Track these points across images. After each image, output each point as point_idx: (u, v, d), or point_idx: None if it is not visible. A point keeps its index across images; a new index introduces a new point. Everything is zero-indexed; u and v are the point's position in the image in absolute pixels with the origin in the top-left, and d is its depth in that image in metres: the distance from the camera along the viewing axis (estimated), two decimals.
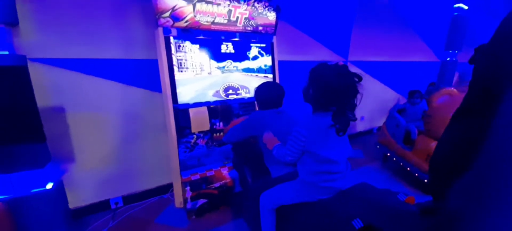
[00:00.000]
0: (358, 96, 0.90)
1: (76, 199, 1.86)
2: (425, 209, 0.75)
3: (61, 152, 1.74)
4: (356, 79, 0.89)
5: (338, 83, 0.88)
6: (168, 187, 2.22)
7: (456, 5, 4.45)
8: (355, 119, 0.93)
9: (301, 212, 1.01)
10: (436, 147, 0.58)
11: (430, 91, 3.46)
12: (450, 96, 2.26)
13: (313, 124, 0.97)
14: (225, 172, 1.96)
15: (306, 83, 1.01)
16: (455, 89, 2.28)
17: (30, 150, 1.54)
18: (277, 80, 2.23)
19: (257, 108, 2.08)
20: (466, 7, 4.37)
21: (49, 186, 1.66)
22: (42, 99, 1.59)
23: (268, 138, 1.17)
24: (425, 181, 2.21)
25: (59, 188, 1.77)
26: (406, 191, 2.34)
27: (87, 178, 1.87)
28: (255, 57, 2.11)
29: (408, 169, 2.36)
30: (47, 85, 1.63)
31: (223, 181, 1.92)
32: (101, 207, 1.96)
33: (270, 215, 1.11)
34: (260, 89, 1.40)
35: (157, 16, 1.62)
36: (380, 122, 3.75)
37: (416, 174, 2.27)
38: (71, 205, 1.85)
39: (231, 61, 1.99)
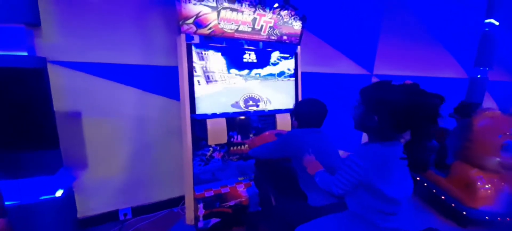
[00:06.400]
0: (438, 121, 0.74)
1: (85, 208, 1.78)
2: None
3: (73, 158, 1.67)
4: (438, 101, 0.73)
5: (415, 107, 0.73)
6: (179, 200, 2.10)
7: (487, 21, 4.20)
8: (435, 150, 0.77)
9: None
10: None
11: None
12: (493, 119, 2.02)
13: (374, 154, 0.81)
14: (241, 189, 1.82)
15: (360, 107, 0.86)
16: (499, 112, 2.05)
17: (42, 156, 1.48)
18: (300, 92, 2.10)
19: (272, 124, 1.95)
20: (497, 23, 4.11)
21: (59, 193, 1.59)
22: (59, 103, 1.54)
23: (310, 162, 1.03)
24: (464, 213, 1.96)
25: (69, 196, 1.70)
26: (439, 222, 2.09)
27: (98, 186, 1.79)
28: (275, 63, 1.99)
29: (443, 197, 2.12)
30: (65, 89, 1.58)
31: (238, 199, 1.78)
32: (110, 217, 1.87)
33: None
34: (301, 105, 1.27)
35: (180, 23, 1.55)
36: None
37: (453, 204, 2.02)
38: (80, 214, 1.76)
39: (254, 70, 1.88)
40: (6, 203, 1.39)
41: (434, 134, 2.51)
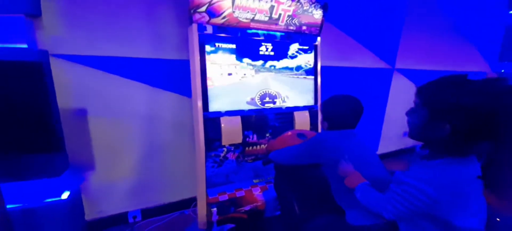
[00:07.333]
0: None
1: (93, 210, 1.69)
2: None
3: (80, 158, 1.57)
4: None
5: (509, 111, 0.57)
6: (191, 202, 2.00)
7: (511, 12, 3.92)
8: None
9: None
10: None
11: None
12: None
13: (448, 179, 0.65)
14: (256, 192, 1.69)
15: (421, 111, 0.69)
16: None
17: (47, 157, 1.38)
18: (319, 88, 1.94)
19: (289, 122, 1.80)
20: None
21: (65, 195, 1.49)
22: (63, 99, 1.44)
23: (349, 172, 0.87)
24: None
25: (76, 198, 1.60)
26: None
27: (106, 187, 1.70)
28: (293, 56, 1.83)
29: None
30: (69, 84, 1.47)
31: (254, 204, 1.65)
32: (119, 220, 1.78)
33: None
34: (332, 103, 1.08)
35: (191, 11, 1.40)
36: None
37: (498, 219, 1.85)
38: (87, 217, 1.68)
39: (269, 61, 1.73)
40: (8, 206, 1.30)
41: None
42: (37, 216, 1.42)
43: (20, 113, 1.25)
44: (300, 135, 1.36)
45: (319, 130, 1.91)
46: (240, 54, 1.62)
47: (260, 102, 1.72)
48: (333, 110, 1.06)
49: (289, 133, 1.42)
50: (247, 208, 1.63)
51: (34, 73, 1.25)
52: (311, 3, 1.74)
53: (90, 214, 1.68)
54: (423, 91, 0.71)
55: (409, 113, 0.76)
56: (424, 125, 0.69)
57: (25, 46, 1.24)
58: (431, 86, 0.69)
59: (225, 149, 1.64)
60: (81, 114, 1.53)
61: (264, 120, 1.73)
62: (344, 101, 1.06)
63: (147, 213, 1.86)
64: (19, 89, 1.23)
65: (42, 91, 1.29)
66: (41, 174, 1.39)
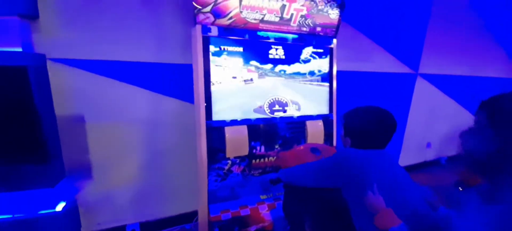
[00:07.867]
0: None
1: (90, 222, 1.60)
2: None
3: (76, 167, 1.49)
4: None
5: None
6: (192, 215, 1.86)
7: None
8: None
9: None
10: None
11: None
12: None
13: None
14: (263, 211, 1.52)
15: (485, 133, 0.52)
16: None
17: (42, 166, 1.30)
18: (334, 95, 1.76)
19: (301, 133, 1.63)
20: None
21: (60, 207, 1.41)
22: (60, 106, 1.36)
23: (379, 208, 0.70)
24: None
25: (72, 210, 1.52)
26: None
27: (104, 199, 1.60)
28: (306, 60, 1.67)
29: None
30: (67, 90, 1.40)
31: (261, 224, 1.49)
32: None
33: None
34: (356, 116, 0.89)
35: (196, 11, 1.29)
36: (451, 151, 2.99)
37: None
38: (84, 230, 1.58)
39: (278, 65, 1.58)
40: None
41: None
42: (30, 229, 1.33)
43: (13, 120, 1.18)
44: (314, 149, 1.19)
45: (334, 143, 1.72)
46: (247, 57, 1.48)
47: (268, 110, 1.57)
48: (358, 123, 0.88)
49: (301, 147, 1.25)
50: (252, 228, 1.47)
51: (31, 78, 1.18)
52: (326, 1, 1.58)
53: (87, 226, 1.59)
54: (492, 106, 0.53)
55: (466, 135, 0.58)
56: (491, 153, 0.51)
57: (19, 49, 1.17)
58: (505, 100, 0.51)
59: (229, 162, 1.49)
60: (79, 121, 1.45)
61: (273, 130, 1.58)
62: (372, 114, 0.87)
63: (146, 227, 1.74)
64: (12, 95, 1.16)
65: (37, 98, 1.21)
66: (35, 184, 1.31)
